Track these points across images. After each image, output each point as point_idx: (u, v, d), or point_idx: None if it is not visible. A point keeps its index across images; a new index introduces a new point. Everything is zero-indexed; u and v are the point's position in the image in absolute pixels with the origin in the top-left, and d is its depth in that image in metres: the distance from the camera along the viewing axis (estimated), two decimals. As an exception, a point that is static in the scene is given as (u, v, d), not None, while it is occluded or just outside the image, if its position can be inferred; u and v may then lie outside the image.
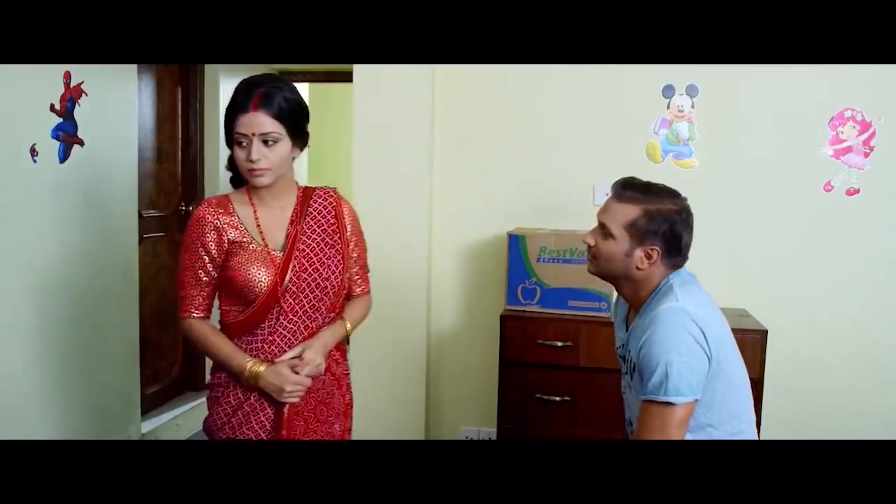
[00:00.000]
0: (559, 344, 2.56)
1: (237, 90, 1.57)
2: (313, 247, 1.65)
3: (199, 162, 3.72)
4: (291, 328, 1.61)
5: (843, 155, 2.75)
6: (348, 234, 1.71)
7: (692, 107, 2.82)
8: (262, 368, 1.57)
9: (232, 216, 1.62)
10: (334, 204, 1.71)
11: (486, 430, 3.06)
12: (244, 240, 1.60)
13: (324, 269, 1.64)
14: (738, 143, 2.82)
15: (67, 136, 2.60)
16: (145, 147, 3.28)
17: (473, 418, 3.10)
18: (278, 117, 1.54)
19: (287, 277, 1.60)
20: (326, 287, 1.64)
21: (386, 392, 2.98)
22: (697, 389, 1.45)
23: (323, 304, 1.65)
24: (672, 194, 1.58)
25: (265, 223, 1.64)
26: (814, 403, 2.81)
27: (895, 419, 2.74)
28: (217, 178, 3.73)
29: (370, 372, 2.99)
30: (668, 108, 2.84)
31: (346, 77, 3.16)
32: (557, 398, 2.58)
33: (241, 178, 1.65)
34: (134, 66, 3.03)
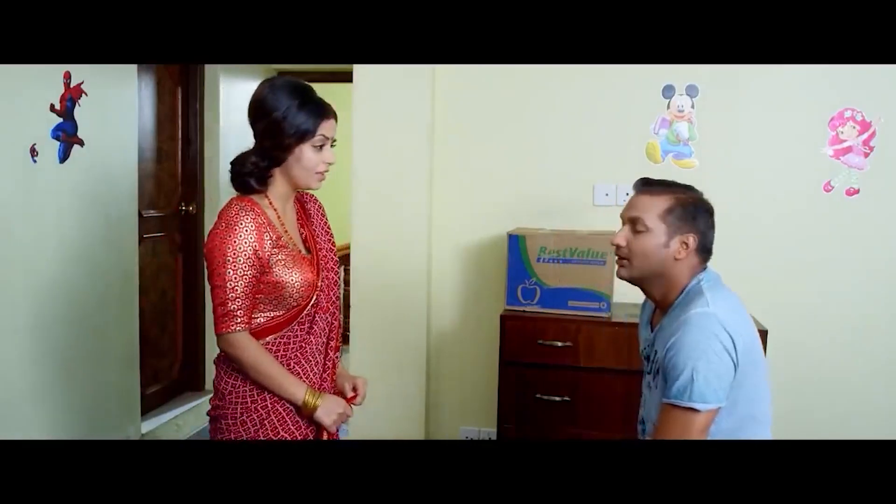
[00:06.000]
0: (559, 344, 2.56)
1: (307, 91, 1.57)
2: (324, 246, 1.71)
3: (199, 162, 3.72)
4: (322, 325, 1.66)
5: (843, 155, 2.75)
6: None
7: (692, 107, 2.82)
8: (318, 400, 1.58)
9: (265, 217, 1.56)
10: (320, 206, 1.78)
11: (486, 430, 3.06)
12: (280, 242, 1.56)
13: (335, 267, 1.72)
14: (738, 143, 2.81)
15: (67, 136, 2.60)
16: (145, 147, 3.28)
17: (473, 418, 3.10)
18: None
19: (320, 276, 1.65)
20: (338, 282, 1.76)
21: (386, 392, 2.98)
22: (722, 397, 1.42)
23: (338, 300, 1.73)
24: (694, 190, 1.60)
25: (287, 225, 1.64)
26: (814, 404, 2.80)
27: (895, 419, 2.75)
28: (217, 178, 3.73)
29: (370, 372, 2.98)
30: (668, 108, 2.84)
31: (346, 77, 3.16)
32: (557, 398, 2.57)
33: (255, 183, 1.56)
34: (134, 66, 3.03)
